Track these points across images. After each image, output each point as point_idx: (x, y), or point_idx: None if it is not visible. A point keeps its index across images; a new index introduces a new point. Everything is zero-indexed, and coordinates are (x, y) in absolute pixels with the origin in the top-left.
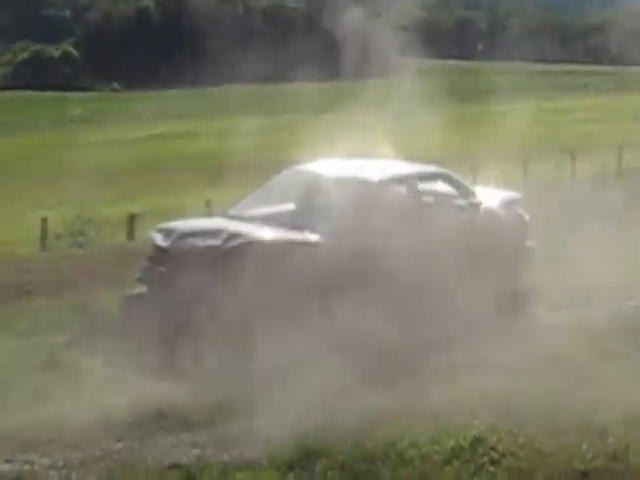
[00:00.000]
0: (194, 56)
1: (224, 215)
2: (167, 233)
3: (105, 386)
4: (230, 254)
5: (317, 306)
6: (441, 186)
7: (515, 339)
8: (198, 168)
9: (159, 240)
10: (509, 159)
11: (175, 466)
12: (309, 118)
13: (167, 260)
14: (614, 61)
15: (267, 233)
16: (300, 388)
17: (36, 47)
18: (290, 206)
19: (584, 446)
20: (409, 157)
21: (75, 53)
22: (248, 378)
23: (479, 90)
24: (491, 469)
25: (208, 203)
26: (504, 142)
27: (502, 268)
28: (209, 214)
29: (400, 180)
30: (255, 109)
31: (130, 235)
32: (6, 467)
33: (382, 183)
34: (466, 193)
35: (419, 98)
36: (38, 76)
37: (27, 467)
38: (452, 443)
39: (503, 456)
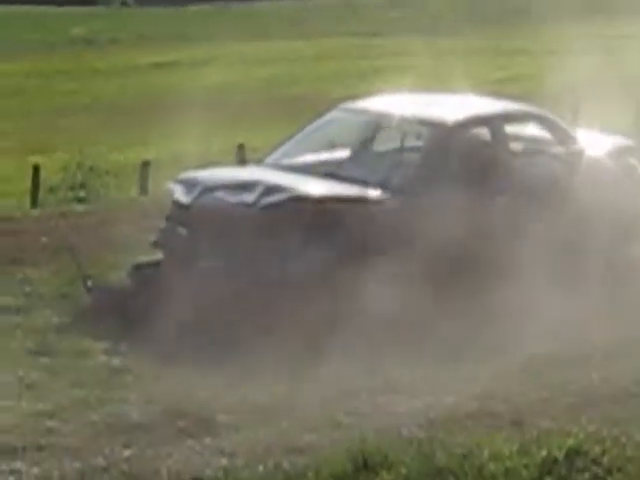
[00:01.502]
0: None
1: (259, 163)
2: (189, 186)
3: (110, 378)
4: (268, 212)
5: (379, 279)
6: (534, 130)
7: (630, 318)
8: (226, 104)
9: (179, 194)
10: (617, 95)
11: None
12: (355, 42)
13: (189, 220)
14: None
15: (315, 186)
16: (346, 379)
17: None
18: (343, 153)
19: None
20: (484, 92)
21: None
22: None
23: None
24: None
25: (240, 148)
26: (608, 73)
27: (610, 232)
28: (241, 162)
29: (482, 122)
30: (289, 30)
31: (143, 188)
32: None
33: (459, 125)
34: (565, 139)
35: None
36: None
37: (12, 479)
38: (543, 454)
39: (609, 472)
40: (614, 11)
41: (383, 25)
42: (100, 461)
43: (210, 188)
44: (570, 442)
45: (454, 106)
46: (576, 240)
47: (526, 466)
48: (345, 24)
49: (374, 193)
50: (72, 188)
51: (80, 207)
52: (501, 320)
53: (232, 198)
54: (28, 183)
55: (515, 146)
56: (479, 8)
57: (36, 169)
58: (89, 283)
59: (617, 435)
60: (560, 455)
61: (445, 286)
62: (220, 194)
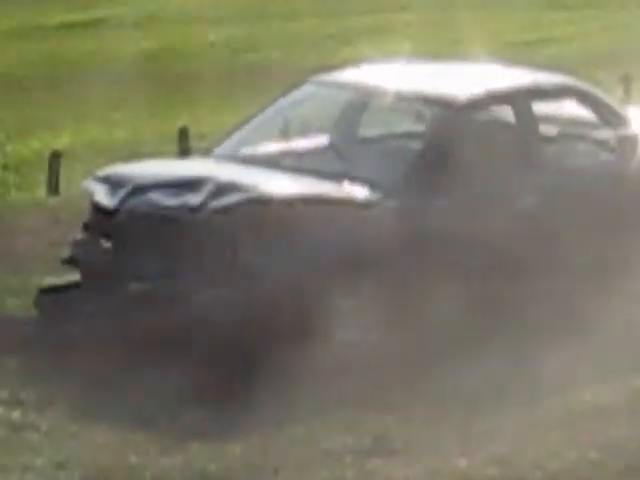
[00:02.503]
0: None
1: (208, 155)
2: (114, 184)
3: (9, 437)
4: (219, 218)
5: (364, 304)
6: (571, 108)
7: None
8: (163, 76)
9: (101, 196)
10: None
11: None
12: None
13: (114, 229)
14: None
15: (281, 184)
16: (325, 435)
17: None
18: (318, 141)
19: None
20: (507, 58)
21: None
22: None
23: None
24: None
25: (182, 134)
26: None
27: None
28: (184, 153)
29: (503, 99)
30: None
31: (52, 187)
32: None
33: (473, 104)
34: (613, 119)
35: None
36: None
37: None
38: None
39: None
40: None
41: None
42: None
43: (142, 187)
44: None
45: (466, 78)
46: (629, 253)
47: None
48: None
49: (360, 193)
50: None
51: None
52: (528, 355)
53: (171, 200)
54: None
55: (548, 130)
56: None
57: None
58: None
59: None
60: None
61: (449, 311)
62: (155, 195)
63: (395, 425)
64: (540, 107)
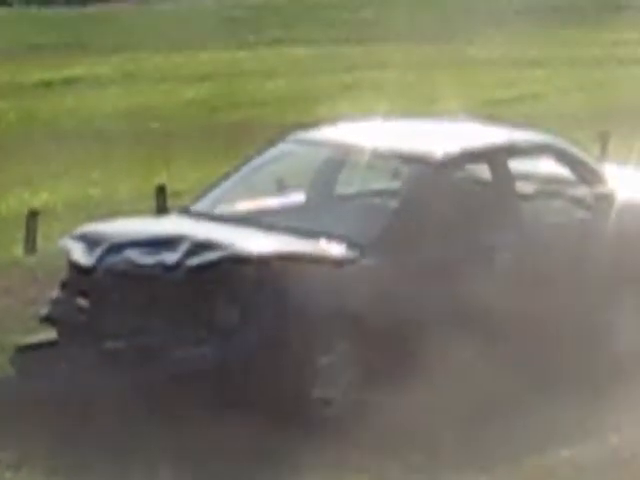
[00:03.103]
0: None
1: (185, 212)
2: (91, 243)
3: None
4: (196, 277)
5: (342, 370)
6: (548, 166)
7: None
8: (141, 134)
9: (78, 254)
10: None
11: None
12: (313, 52)
13: (91, 287)
14: None
15: (258, 242)
16: None
17: None
18: (296, 198)
19: None
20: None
21: None
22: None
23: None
24: None
25: (159, 192)
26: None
27: None
28: (161, 210)
29: (479, 156)
30: (227, 37)
31: (30, 245)
32: None
33: (449, 161)
34: (590, 177)
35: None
36: None
37: None
38: None
39: None
40: None
41: (351, 30)
42: None
43: (119, 245)
44: None
45: (443, 136)
46: (602, 307)
47: None
48: (301, 29)
49: (337, 250)
50: None
51: None
52: (502, 413)
53: (148, 258)
54: None
55: (524, 188)
56: (475, 7)
57: None
58: None
59: None
60: None
61: (426, 368)
62: (132, 253)
63: None
64: (517, 165)
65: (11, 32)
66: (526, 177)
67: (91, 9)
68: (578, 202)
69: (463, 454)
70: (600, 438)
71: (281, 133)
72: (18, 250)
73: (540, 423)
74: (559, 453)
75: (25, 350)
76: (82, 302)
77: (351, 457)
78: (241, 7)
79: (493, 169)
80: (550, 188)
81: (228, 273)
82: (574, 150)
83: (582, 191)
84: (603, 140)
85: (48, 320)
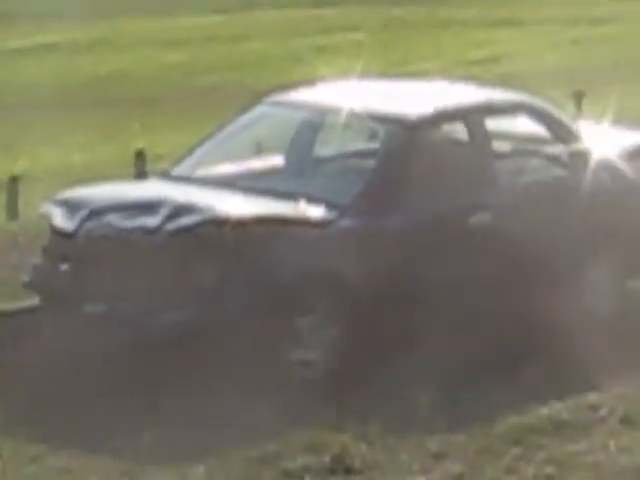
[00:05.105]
0: None
1: (164, 176)
2: (72, 208)
3: None
4: (176, 240)
5: (320, 331)
6: (524, 125)
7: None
8: (119, 99)
9: (59, 219)
10: (636, 77)
11: None
12: (288, 15)
13: (73, 252)
14: None
15: (237, 205)
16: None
17: None
18: (273, 161)
19: None
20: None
21: None
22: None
23: None
24: None
25: (139, 156)
26: (627, 49)
27: (624, 260)
28: (140, 175)
29: (455, 116)
30: (202, 2)
31: (11, 211)
32: None
33: (425, 121)
34: (565, 135)
35: None
36: None
37: None
38: None
39: None
40: None
41: None
42: None
43: (100, 210)
44: None
45: (419, 96)
46: (577, 264)
47: None
48: None
49: (315, 212)
50: None
51: None
52: (482, 369)
53: (129, 222)
54: None
55: (500, 146)
56: None
57: None
58: None
59: None
60: None
61: (403, 328)
62: (113, 218)
63: (352, 444)
64: (493, 124)
65: None
66: (502, 136)
67: None
68: (554, 160)
69: (441, 414)
70: (579, 397)
71: (258, 96)
72: (1, 216)
73: (519, 384)
74: (539, 412)
75: (7, 315)
76: (64, 267)
77: (332, 417)
78: None
79: (469, 129)
80: (526, 147)
81: (208, 236)
82: (549, 109)
83: (558, 149)
84: (577, 99)
85: (30, 286)
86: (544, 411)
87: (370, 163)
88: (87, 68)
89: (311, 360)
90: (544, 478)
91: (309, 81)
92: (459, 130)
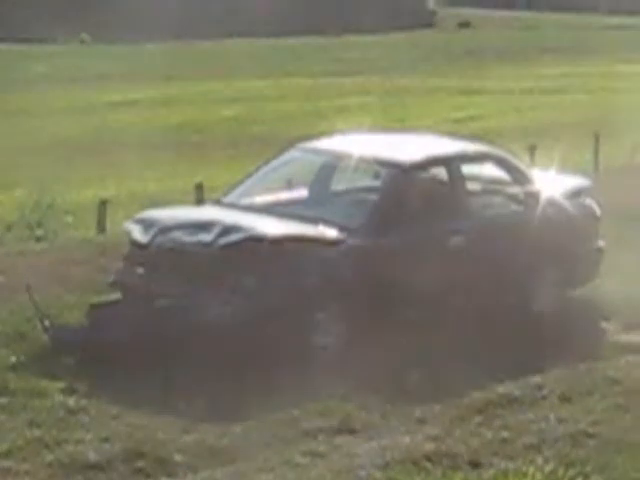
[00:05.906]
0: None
1: (217, 203)
2: (146, 225)
3: (66, 418)
4: (225, 252)
5: (334, 323)
6: (491, 170)
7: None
8: (185, 143)
9: (136, 234)
10: (577, 135)
11: None
12: (317, 82)
13: (146, 260)
14: None
15: (271, 226)
16: (304, 419)
17: None
18: (300, 193)
19: None
20: (443, 131)
21: None
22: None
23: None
24: None
25: (198, 188)
26: (570, 113)
27: (564, 275)
28: (199, 202)
29: (439, 162)
30: (253, 69)
31: (101, 227)
32: None
33: (415, 166)
34: (522, 179)
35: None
36: None
37: None
38: None
39: None
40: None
41: (343, 65)
42: None
43: (167, 228)
44: None
45: (411, 146)
46: (528, 276)
47: None
48: (308, 64)
49: (331, 233)
50: (30, 226)
51: (37, 246)
52: (463, 361)
53: (189, 238)
54: None
55: (472, 186)
56: (440, 49)
57: None
58: (46, 322)
59: (573, 476)
60: None
61: (398, 325)
62: (177, 234)
63: (355, 411)
64: (467, 169)
65: (78, 62)
66: (474, 178)
67: (150, 46)
68: (513, 198)
69: (426, 389)
70: (526, 378)
71: (290, 143)
72: (92, 231)
73: (483, 367)
74: (497, 389)
75: (97, 307)
76: (139, 271)
77: (339, 390)
78: (265, 46)
79: (449, 172)
80: (492, 187)
81: (250, 249)
82: (510, 158)
83: (516, 190)
84: (531, 151)
85: (114, 285)
86: (500, 389)
87: (374, 196)
88: (162, 119)
89: (326, 345)
90: (500, 440)
91: (329, 133)
92: (441, 173)
